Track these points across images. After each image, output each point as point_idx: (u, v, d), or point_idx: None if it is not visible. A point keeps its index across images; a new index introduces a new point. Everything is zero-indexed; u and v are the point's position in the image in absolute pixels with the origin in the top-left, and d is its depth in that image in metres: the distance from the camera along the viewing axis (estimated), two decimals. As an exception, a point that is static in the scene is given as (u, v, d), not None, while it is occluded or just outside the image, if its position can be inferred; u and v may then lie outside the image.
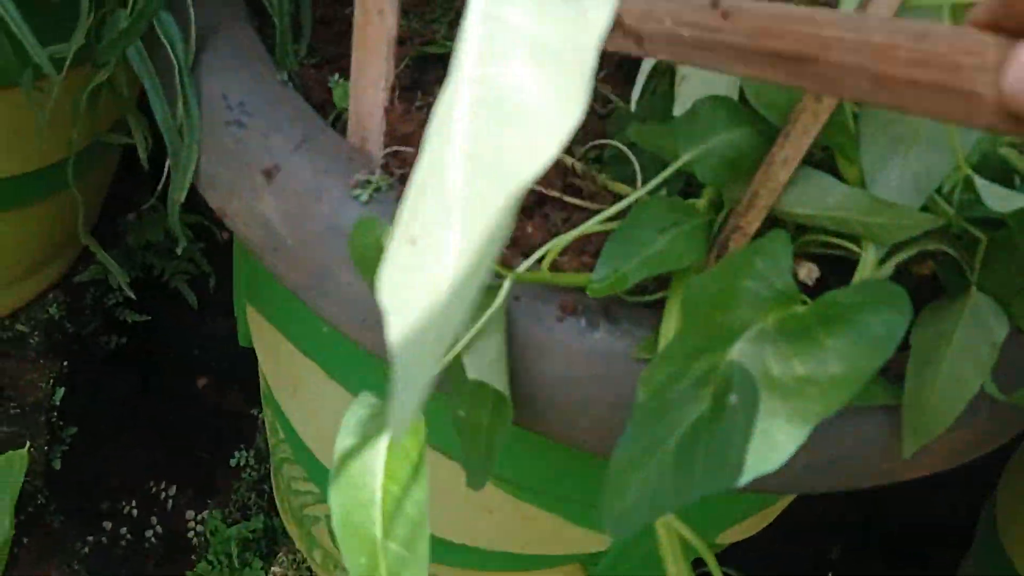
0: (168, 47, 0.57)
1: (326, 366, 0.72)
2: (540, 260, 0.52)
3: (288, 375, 0.78)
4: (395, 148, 0.56)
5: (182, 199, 0.59)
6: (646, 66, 0.57)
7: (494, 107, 0.20)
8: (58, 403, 1.19)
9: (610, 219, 0.51)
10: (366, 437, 0.40)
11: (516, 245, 0.58)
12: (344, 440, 0.41)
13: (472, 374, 0.47)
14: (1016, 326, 0.49)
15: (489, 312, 0.47)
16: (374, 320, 0.55)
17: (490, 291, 0.49)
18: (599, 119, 0.67)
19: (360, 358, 0.66)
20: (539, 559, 0.83)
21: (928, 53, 0.23)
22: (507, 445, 0.50)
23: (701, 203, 0.54)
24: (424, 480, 0.40)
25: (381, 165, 0.55)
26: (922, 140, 0.46)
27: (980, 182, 0.44)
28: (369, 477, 0.40)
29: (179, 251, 0.64)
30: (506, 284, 0.48)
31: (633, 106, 0.57)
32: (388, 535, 0.39)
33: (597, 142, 0.64)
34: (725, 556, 1.03)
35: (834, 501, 1.31)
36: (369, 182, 0.54)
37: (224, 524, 1.15)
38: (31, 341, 1.17)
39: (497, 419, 0.50)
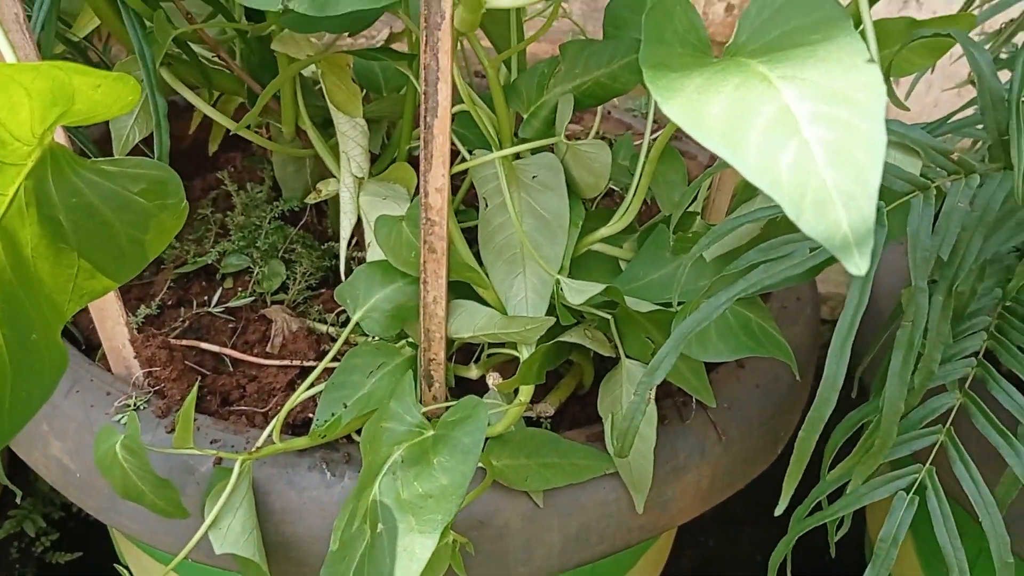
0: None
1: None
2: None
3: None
4: (148, 369, 0.65)
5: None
6: (345, 233, 0.68)
7: None
8: (7, 655, 1.24)
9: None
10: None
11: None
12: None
13: (221, 548, 0.55)
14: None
15: (225, 493, 0.56)
16: (166, 528, 0.62)
17: (224, 472, 0.57)
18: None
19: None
20: None
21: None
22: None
23: (406, 343, 0.63)
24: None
25: (139, 387, 0.65)
26: (528, 259, 0.56)
27: (563, 282, 0.54)
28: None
29: (17, 500, 0.72)
30: (236, 467, 0.57)
31: (343, 274, 0.68)
32: None
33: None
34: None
35: (765, 543, 1.36)
36: (128, 405, 0.63)
37: None
38: (-33, 607, 1.22)
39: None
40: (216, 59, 0.72)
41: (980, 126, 0.59)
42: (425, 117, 0.51)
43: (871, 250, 0.26)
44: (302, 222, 0.83)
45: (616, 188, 0.83)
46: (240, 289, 0.76)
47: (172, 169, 0.40)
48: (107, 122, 0.69)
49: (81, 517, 1.37)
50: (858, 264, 0.26)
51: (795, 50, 0.33)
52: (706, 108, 0.30)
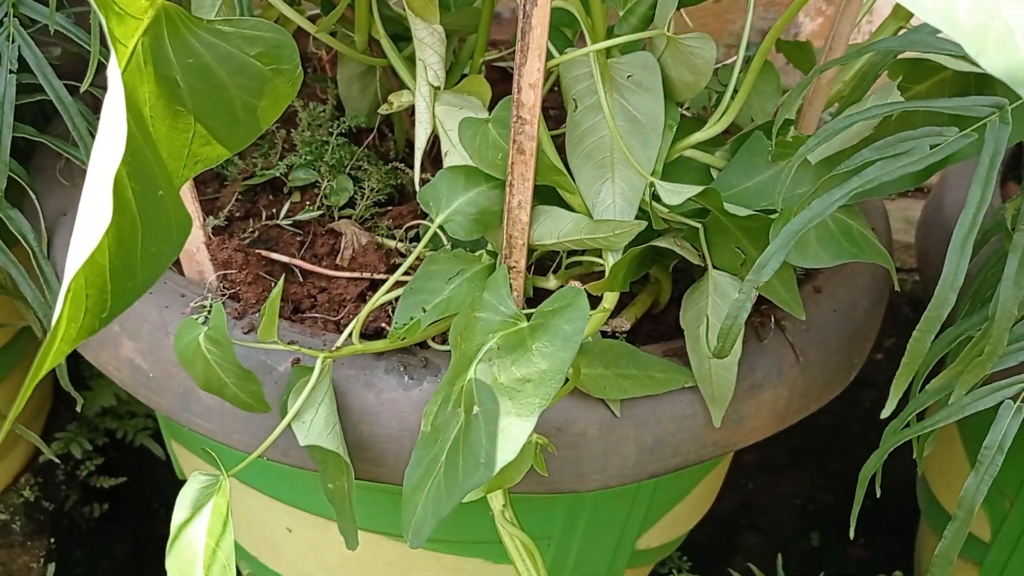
0: (21, 238, 0.67)
1: (248, 481, 0.79)
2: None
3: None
4: (223, 272, 0.65)
5: (60, 361, 0.68)
6: (420, 143, 0.67)
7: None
8: (52, 578, 1.26)
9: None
10: (196, 508, 0.48)
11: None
12: (178, 514, 0.49)
13: (305, 441, 0.55)
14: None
15: (307, 389, 0.56)
16: (241, 426, 0.63)
17: (304, 370, 0.57)
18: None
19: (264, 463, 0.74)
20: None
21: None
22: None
23: (484, 252, 0.62)
24: (230, 529, 0.48)
25: (213, 290, 0.64)
26: (618, 163, 0.55)
27: (658, 184, 0.52)
28: (196, 538, 0.47)
29: (78, 409, 0.72)
30: (317, 364, 0.56)
31: (417, 185, 0.67)
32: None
33: (415, 223, 0.73)
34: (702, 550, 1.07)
35: (806, 487, 1.35)
36: (204, 307, 0.63)
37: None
38: (14, 527, 1.24)
39: (348, 481, 0.57)
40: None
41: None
42: (524, 5, 0.49)
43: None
44: (365, 143, 0.82)
45: (685, 112, 0.81)
46: (308, 203, 0.75)
47: (288, 33, 0.39)
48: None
49: (125, 444, 1.38)
50: (1048, 102, 0.25)
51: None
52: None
